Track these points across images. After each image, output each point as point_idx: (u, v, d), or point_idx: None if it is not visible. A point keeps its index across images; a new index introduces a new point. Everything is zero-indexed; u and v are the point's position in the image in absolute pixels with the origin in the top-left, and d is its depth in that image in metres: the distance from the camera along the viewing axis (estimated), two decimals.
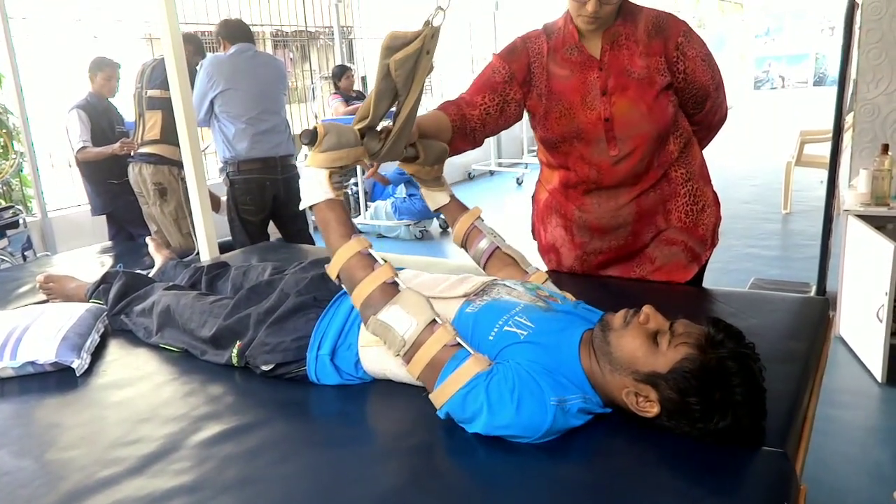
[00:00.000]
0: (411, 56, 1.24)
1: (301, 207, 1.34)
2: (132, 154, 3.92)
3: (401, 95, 1.30)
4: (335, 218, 1.30)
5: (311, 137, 1.28)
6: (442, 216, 1.71)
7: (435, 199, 1.65)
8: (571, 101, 1.67)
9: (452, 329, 1.19)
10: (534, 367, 1.14)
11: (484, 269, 1.62)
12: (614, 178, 1.70)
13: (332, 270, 1.29)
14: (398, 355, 1.20)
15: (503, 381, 1.11)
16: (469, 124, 1.69)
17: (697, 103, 1.72)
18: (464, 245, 1.65)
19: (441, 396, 1.15)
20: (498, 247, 1.59)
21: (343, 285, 1.30)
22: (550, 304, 1.32)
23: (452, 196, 1.66)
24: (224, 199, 3.72)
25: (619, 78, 1.64)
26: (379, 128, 1.37)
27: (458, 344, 1.17)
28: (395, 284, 1.24)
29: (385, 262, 1.27)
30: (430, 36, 1.24)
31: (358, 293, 1.25)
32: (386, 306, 1.21)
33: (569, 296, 1.45)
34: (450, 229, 1.69)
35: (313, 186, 1.30)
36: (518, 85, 1.71)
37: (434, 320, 1.18)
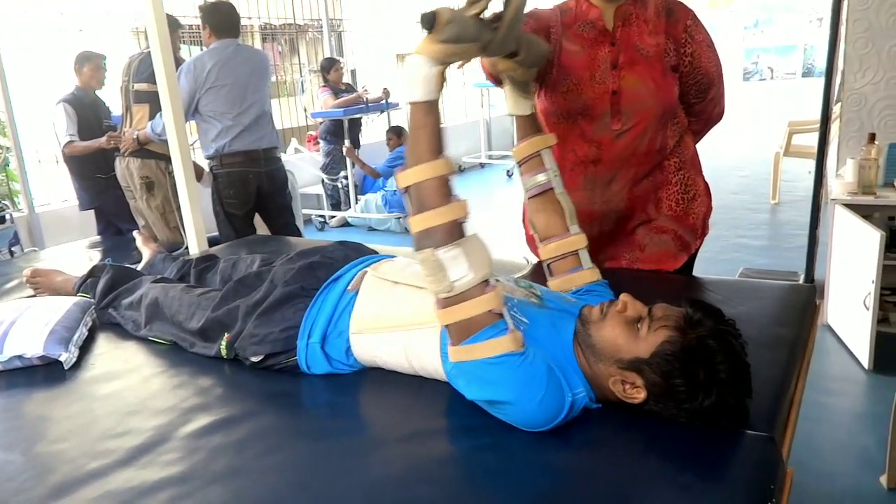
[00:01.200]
0: None
1: (406, 100, 1.18)
2: (120, 148, 3.89)
3: None
4: (432, 125, 1.15)
5: (431, 22, 1.13)
6: None
7: (519, 104, 1.52)
8: (580, 77, 1.68)
9: (502, 297, 1.13)
10: (550, 360, 1.13)
11: (528, 200, 1.55)
12: (613, 155, 1.71)
13: (404, 179, 1.15)
14: (435, 294, 1.13)
15: (537, 367, 1.10)
16: None
17: (701, 91, 1.74)
18: (520, 165, 1.56)
19: (465, 354, 1.12)
20: (553, 188, 1.52)
21: (407, 199, 1.17)
22: (543, 300, 1.32)
23: (535, 110, 1.56)
24: (207, 170, 3.69)
25: (629, 53, 1.67)
26: (488, 14, 1.22)
27: (502, 314, 1.12)
28: (463, 228, 1.15)
29: (463, 198, 1.16)
30: None
31: (424, 218, 1.13)
32: (449, 245, 1.11)
33: (564, 293, 1.44)
34: (515, 138, 1.58)
35: (419, 81, 1.14)
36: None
37: (489, 281, 1.13)
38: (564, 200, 1.52)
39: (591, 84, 1.67)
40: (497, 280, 1.13)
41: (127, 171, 3.87)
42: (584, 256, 1.49)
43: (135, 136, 3.70)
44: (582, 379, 1.16)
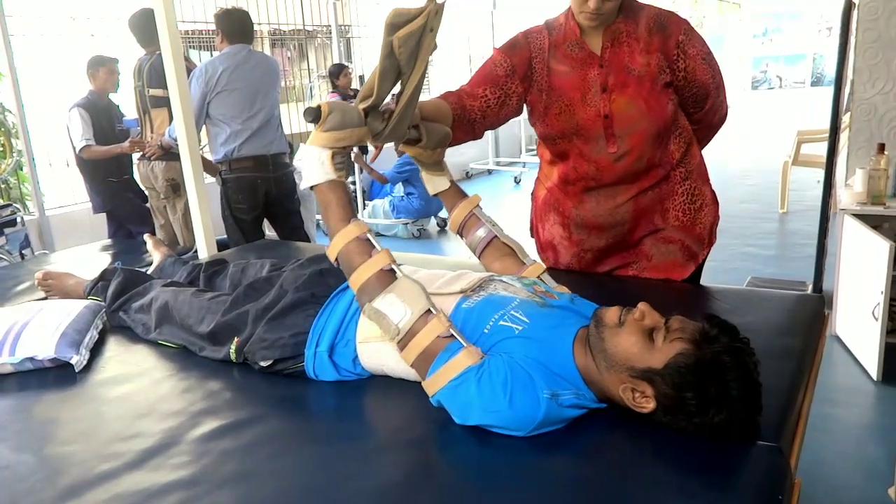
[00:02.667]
0: (415, 33, 1.21)
1: (302, 188, 1.32)
2: (144, 153, 3.91)
3: (404, 73, 1.26)
4: (336, 200, 1.29)
5: (315, 115, 1.25)
6: (440, 215, 1.71)
7: (435, 183, 1.63)
8: (571, 98, 1.67)
9: (447, 320, 1.19)
10: (527, 360, 1.14)
11: (480, 258, 1.62)
12: (614, 175, 1.70)
13: (330, 253, 1.29)
14: (391, 341, 1.21)
15: (495, 374, 1.12)
16: (469, 115, 1.68)
17: (697, 102, 1.73)
18: (460, 232, 1.64)
19: (432, 386, 1.17)
20: (496, 236, 1.58)
21: (342, 269, 1.30)
22: (547, 299, 1.33)
23: (452, 181, 1.64)
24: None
25: (620, 75, 1.64)
26: (382, 108, 1.33)
27: (452, 335, 1.17)
28: (392, 272, 1.25)
29: (383, 248, 1.26)
30: (433, 13, 1.21)
31: (355, 278, 1.25)
32: (382, 294, 1.21)
33: (564, 289, 1.46)
34: (447, 216, 1.68)
35: (315, 166, 1.28)
36: (519, 79, 1.71)
37: (429, 310, 1.19)
38: (510, 241, 1.59)
39: (582, 106, 1.66)
40: (434, 310, 1.20)
41: (151, 173, 3.90)
42: (549, 280, 1.51)
43: (159, 143, 3.74)
44: (575, 378, 1.17)
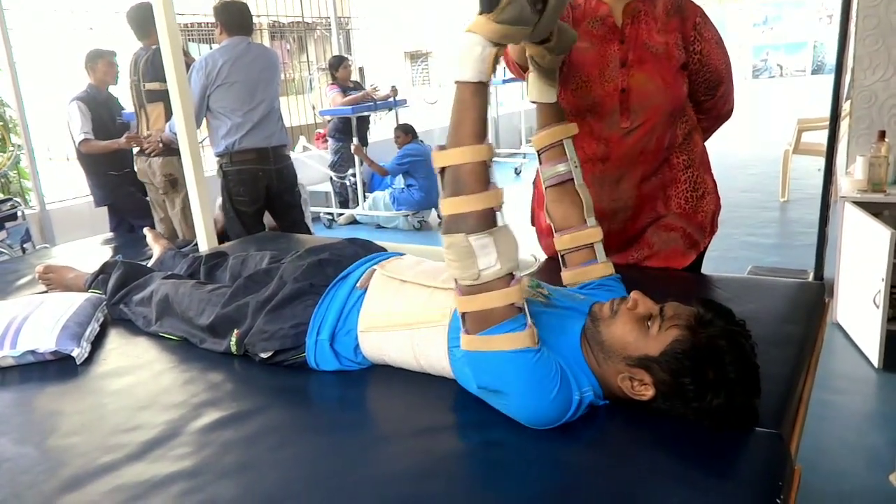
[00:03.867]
0: None
1: (455, 79, 1.14)
2: (142, 148, 3.91)
3: None
4: (478, 108, 1.13)
5: (492, 0, 1.09)
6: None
7: (544, 92, 1.49)
8: (589, 74, 1.68)
9: (524, 292, 1.13)
10: (562, 359, 1.14)
11: (546, 189, 1.53)
12: (621, 153, 1.70)
13: (443, 159, 1.13)
14: (459, 280, 1.12)
15: (550, 365, 1.10)
16: None
17: (710, 88, 1.74)
18: (540, 153, 1.54)
19: (481, 344, 1.11)
20: (573, 179, 1.50)
21: (442, 181, 1.15)
22: (550, 300, 1.32)
23: (558, 97, 1.52)
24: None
25: (639, 51, 1.66)
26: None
27: (523, 309, 1.12)
28: (496, 216, 1.13)
29: (500, 188, 1.14)
30: None
31: (459, 203, 1.11)
32: (481, 233, 1.09)
33: (608, 267, 1.46)
34: (534, 130, 1.56)
35: (473, 61, 1.11)
36: None
37: (513, 274, 1.12)
38: (583, 192, 1.50)
39: (600, 81, 1.67)
40: (517, 276, 1.12)
41: (149, 168, 3.90)
42: (599, 249, 1.49)
43: (159, 139, 3.74)
44: (590, 377, 1.16)
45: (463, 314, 1.14)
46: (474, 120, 1.13)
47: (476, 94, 1.13)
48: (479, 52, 1.11)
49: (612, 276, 1.48)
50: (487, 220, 1.11)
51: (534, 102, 1.52)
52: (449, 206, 1.12)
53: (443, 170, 1.14)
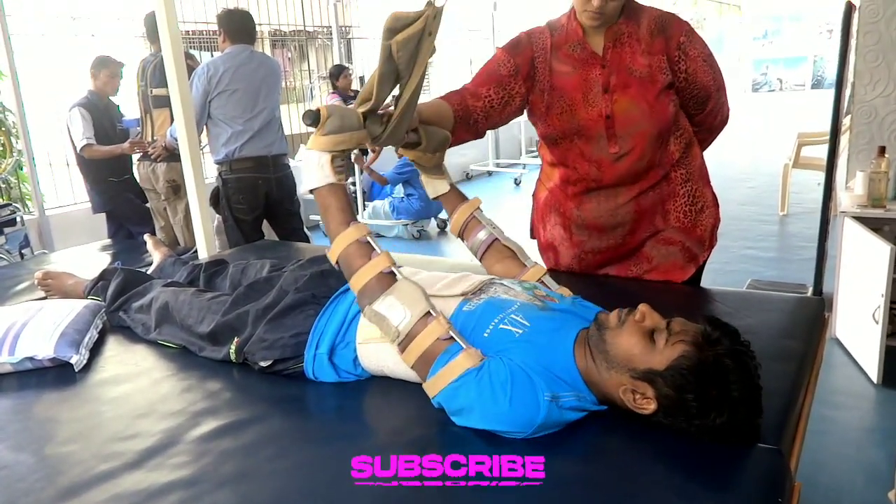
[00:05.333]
0: (413, 37, 1.20)
1: (301, 192, 1.34)
2: (146, 154, 3.91)
3: (402, 78, 1.26)
4: (336, 203, 1.29)
5: (314, 119, 1.26)
6: (441, 216, 1.69)
7: (435, 187, 1.63)
8: (573, 98, 1.67)
9: (446, 322, 1.19)
10: (527, 363, 1.14)
11: (481, 260, 1.61)
12: (614, 176, 1.70)
13: (331, 256, 1.30)
14: (392, 344, 1.21)
15: (495, 376, 1.12)
16: (472, 115, 1.68)
17: (699, 104, 1.73)
18: (461, 235, 1.64)
19: (433, 388, 1.18)
20: (497, 238, 1.58)
21: (342, 272, 1.30)
22: (547, 302, 1.33)
23: (452, 185, 1.64)
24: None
25: (621, 76, 1.65)
26: (381, 111, 1.34)
27: (452, 337, 1.17)
28: (392, 274, 1.25)
29: (383, 251, 1.27)
30: (432, 16, 1.20)
31: (355, 281, 1.26)
32: (382, 296, 1.22)
33: (566, 291, 1.46)
34: (448, 219, 1.68)
35: (314, 170, 1.29)
36: (522, 79, 1.70)
37: (429, 312, 1.19)
38: (511, 243, 1.58)
39: (584, 106, 1.67)
40: (434, 313, 1.20)
41: (152, 174, 3.91)
42: (550, 282, 1.51)
43: (163, 145, 3.74)
44: (576, 380, 1.16)
45: (413, 368, 1.22)
46: (337, 212, 1.29)
47: (329, 194, 1.29)
48: (317, 161, 1.28)
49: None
50: (383, 283, 1.23)
51: (434, 199, 1.66)
52: (352, 286, 1.27)
53: (338, 264, 1.30)
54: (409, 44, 1.21)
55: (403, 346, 1.20)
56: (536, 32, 1.73)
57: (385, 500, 1.01)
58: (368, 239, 1.28)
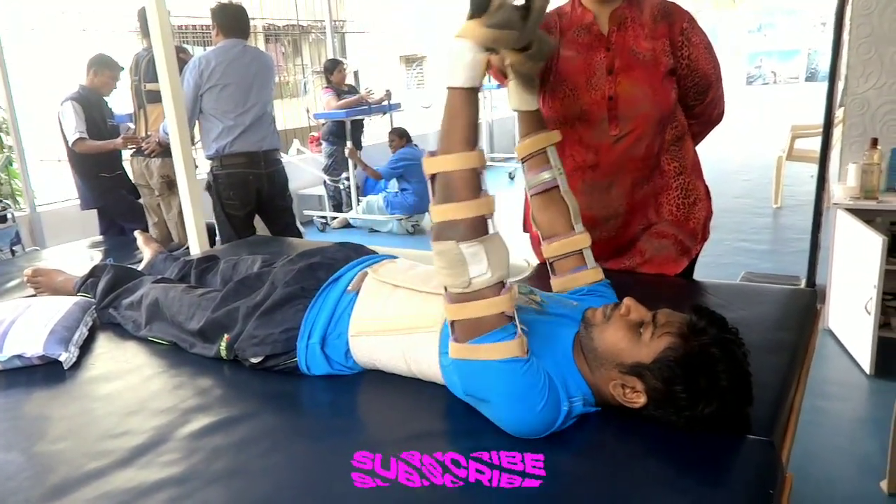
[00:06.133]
0: None
1: (446, 85, 1.13)
2: (144, 149, 3.89)
3: None
4: (469, 115, 1.12)
5: (483, 5, 1.09)
6: None
7: (524, 100, 1.47)
8: (576, 83, 1.68)
9: (514, 300, 1.11)
10: (551, 368, 1.13)
11: (532, 197, 1.52)
12: (611, 160, 1.70)
13: (434, 165, 1.12)
14: (449, 288, 1.11)
15: (538, 375, 1.09)
16: None
17: (699, 93, 1.74)
18: (524, 162, 1.53)
19: (470, 352, 1.10)
20: (558, 186, 1.49)
21: (432, 187, 1.13)
22: (543, 306, 1.32)
23: (539, 105, 1.52)
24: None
25: (625, 58, 1.66)
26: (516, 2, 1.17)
27: (513, 318, 1.10)
28: (487, 224, 1.12)
29: (491, 194, 1.13)
30: None
31: (450, 210, 1.10)
32: (472, 241, 1.08)
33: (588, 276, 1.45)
34: (517, 138, 1.54)
35: (464, 66, 1.10)
36: None
37: (504, 283, 1.11)
38: (569, 198, 1.48)
39: (587, 90, 1.67)
40: (508, 285, 1.11)
41: (147, 170, 3.88)
42: (588, 255, 1.47)
43: (157, 140, 3.72)
44: (581, 385, 1.16)
45: (452, 322, 1.12)
46: (465, 126, 1.11)
47: (467, 101, 1.12)
48: (470, 58, 1.10)
49: (602, 281, 1.47)
50: (479, 228, 1.09)
51: (515, 111, 1.51)
52: (439, 213, 1.11)
53: (433, 176, 1.12)
54: None
55: (463, 298, 1.09)
56: (548, 15, 1.74)
57: (380, 497, 1.01)
58: (483, 174, 1.14)
